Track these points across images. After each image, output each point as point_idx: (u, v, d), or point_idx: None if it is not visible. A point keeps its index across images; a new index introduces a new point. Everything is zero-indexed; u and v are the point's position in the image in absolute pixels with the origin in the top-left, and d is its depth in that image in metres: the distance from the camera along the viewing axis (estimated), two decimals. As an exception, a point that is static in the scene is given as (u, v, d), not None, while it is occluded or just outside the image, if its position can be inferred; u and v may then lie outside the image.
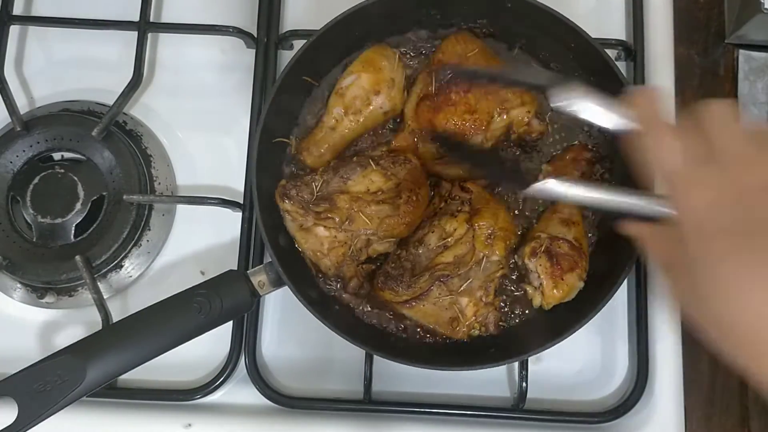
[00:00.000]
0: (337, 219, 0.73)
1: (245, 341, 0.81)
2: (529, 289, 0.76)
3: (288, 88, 0.78)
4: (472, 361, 0.75)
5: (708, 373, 0.82)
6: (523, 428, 0.80)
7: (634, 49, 0.86)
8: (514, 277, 0.79)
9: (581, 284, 0.75)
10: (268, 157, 0.78)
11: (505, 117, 0.78)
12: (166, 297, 0.70)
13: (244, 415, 0.81)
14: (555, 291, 0.74)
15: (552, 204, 0.80)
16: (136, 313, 0.70)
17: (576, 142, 0.82)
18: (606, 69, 0.76)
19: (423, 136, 0.78)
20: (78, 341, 0.68)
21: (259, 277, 0.72)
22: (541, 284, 0.74)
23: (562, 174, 0.79)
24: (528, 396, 0.78)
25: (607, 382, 0.83)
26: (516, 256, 0.78)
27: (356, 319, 0.80)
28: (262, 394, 0.80)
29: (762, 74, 0.89)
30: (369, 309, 0.79)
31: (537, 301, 0.75)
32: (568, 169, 0.79)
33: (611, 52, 0.88)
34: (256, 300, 0.72)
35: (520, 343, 0.76)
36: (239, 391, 0.82)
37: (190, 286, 0.71)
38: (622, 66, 0.88)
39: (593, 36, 0.87)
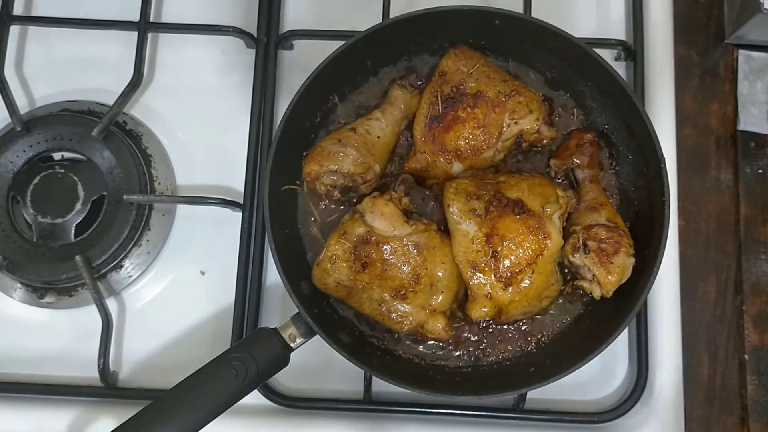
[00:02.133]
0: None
1: (245, 341, 0.81)
2: (585, 284, 0.75)
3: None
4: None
5: (708, 373, 0.82)
6: (523, 428, 0.80)
7: (634, 49, 0.86)
8: (568, 278, 0.78)
9: (632, 260, 0.73)
10: (281, 206, 0.77)
11: (515, 127, 0.76)
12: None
13: (244, 415, 0.80)
14: (610, 277, 0.72)
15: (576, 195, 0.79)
16: (174, 387, 0.68)
17: (573, 129, 0.81)
18: (601, 71, 0.75)
19: (435, 156, 0.77)
20: (123, 423, 0.67)
21: (288, 330, 0.71)
22: (594, 276, 0.73)
23: (572, 162, 0.79)
24: (528, 396, 0.78)
25: (607, 382, 0.83)
26: (560, 257, 0.76)
27: (392, 356, 0.78)
28: (262, 394, 0.80)
29: (762, 74, 0.89)
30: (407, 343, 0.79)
31: (597, 292, 0.74)
32: (576, 156, 0.78)
33: (611, 52, 0.88)
34: (289, 354, 0.71)
35: (555, 362, 0.75)
36: (239, 391, 0.82)
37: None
38: (621, 66, 0.88)
39: (594, 37, 0.88)
